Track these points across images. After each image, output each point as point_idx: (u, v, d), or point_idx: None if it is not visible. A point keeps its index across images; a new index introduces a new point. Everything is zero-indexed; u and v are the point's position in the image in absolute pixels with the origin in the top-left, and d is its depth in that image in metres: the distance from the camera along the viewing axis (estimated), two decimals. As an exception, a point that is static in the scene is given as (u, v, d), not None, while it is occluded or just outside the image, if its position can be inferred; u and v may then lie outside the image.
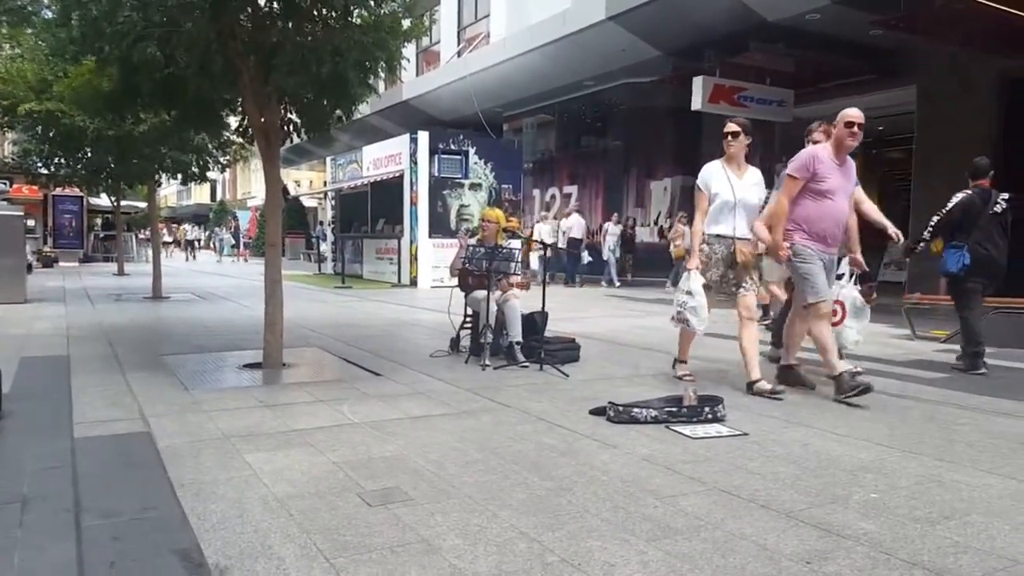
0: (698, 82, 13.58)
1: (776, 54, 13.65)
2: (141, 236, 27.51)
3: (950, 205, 6.21)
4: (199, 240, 37.35)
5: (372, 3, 5.23)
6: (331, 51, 4.88)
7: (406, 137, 15.67)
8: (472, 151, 15.86)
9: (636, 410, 4.11)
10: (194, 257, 30.99)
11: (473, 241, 6.45)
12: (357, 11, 5.21)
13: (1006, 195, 6.22)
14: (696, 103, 13.67)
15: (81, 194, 22.72)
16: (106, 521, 2.61)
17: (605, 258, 16.66)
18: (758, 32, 12.66)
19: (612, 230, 16.70)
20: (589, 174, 19.58)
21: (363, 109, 6.26)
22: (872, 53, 13.21)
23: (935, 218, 6.27)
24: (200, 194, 54.99)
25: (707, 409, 4.16)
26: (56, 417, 4.07)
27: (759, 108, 14.47)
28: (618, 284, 16.12)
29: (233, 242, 33.33)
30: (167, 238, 33.39)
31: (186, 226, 36.50)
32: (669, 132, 17.59)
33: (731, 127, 5.17)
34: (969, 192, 6.20)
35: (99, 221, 27.75)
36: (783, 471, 3.27)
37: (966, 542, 2.52)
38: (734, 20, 12.44)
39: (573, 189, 20.00)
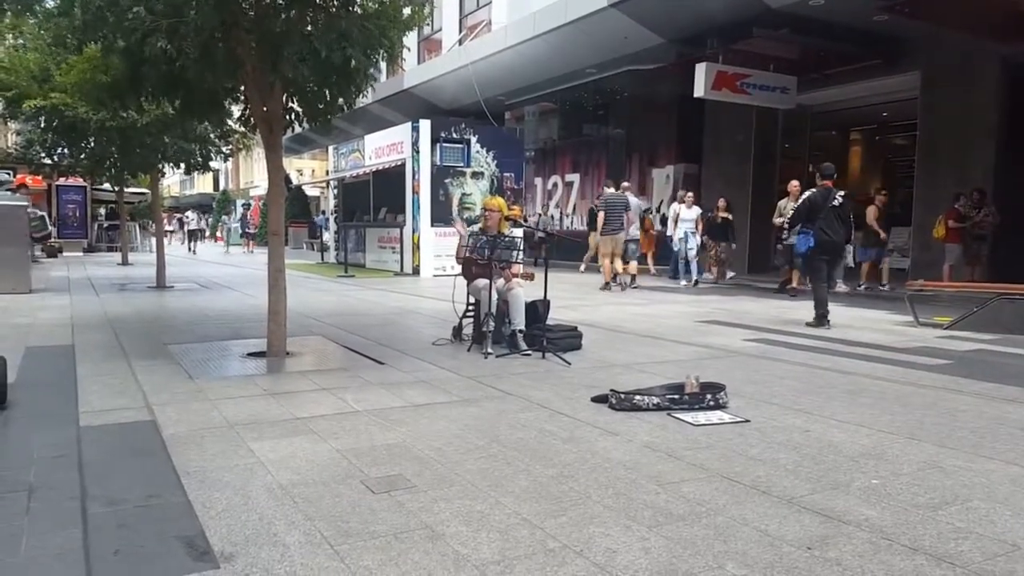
0: (701, 69, 13.51)
1: (779, 40, 13.57)
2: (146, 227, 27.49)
3: (799, 202, 7.87)
4: (203, 230, 33.46)
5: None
6: (337, 38, 4.86)
7: (408, 126, 15.62)
8: (474, 139, 15.81)
9: (638, 397, 4.12)
10: (194, 251, 26.30)
11: (476, 229, 6.43)
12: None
13: (842, 192, 7.98)
14: (699, 90, 13.61)
15: (85, 184, 22.71)
16: (111, 509, 2.63)
17: (676, 249, 13.90)
18: (761, 18, 12.58)
19: (685, 214, 13.59)
20: (591, 162, 19.53)
21: (364, 98, 6.25)
22: (876, 39, 13.13)
23: (790, 212, 8.15)
24: (203, 183, 55.00)
25: (709, 396, 4.17)
26: (61, 406, 4.09)
27: (762, 95, 14.41)
28: (683, 283, 13.46)
29: (242, 231, 31.88)
30: (168, 227, 31.01)
31: (188, 213, 32.03)
32: (671, 119, 17.53)
33: None
34: (813, 191, 7.89)
35: (103, 211, 27.72)
36: (784, 457, 3.28)
37: (968, 527, 2.53)
38: (737, 6, 12.37)
39: (575, 177, 19.97)
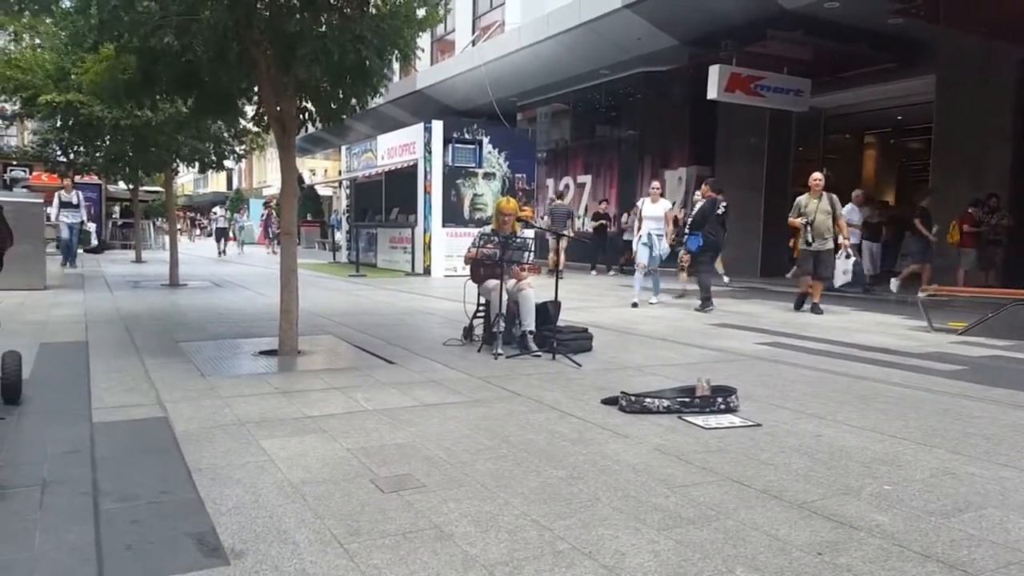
0: (714, 71, 13.48)
1: (794, 43, 13.51)
2: (159, 224, 27.44)
3: (695, 211, 9.72)
4: (232, 229, 28.34)
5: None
6: (352, 39, 4.87)
7: (420, 126, 15.66)
8: (486, 140, 15.83)
9: (648, 400, 4.11)
10: (224, 252, 23.12)
11: (487, 230, 6.42)
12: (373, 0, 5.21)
13: (725, 202, 9.86)
14: (712, 92, 13.58)
15: (99, 182, 22.89)
16: (124, 505, 2.65)
17: (634, 252, 10.66)
18: (776, 20, 12.54)
19: (649, 210, 10.23)
20: (603, 163, 19.51)
21: (378, 98, 6.28)
22: (891, 42, 13.05)
23: (688, 220, 9.61)
24: (217, 183, 55.32)
25: (720, 400, 4.15)
26: (75, 402, 4.13)
27: (776, 97, 14.35)
28: (654, 301, 10.11)
29: (267, 231, 29.51)
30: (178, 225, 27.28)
31: (216, 210, 28.25)
32: (684, 121, 17.48)
33: None
34: (704, 200, 9.72)
35: (117, 208, 27.89)
36: (796, 462, 3.26)
37: (981, 535, 2.50)
38: (751, 8, 12.33)
39: (587, 179, 19.96)
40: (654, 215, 10.22)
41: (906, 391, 4.81)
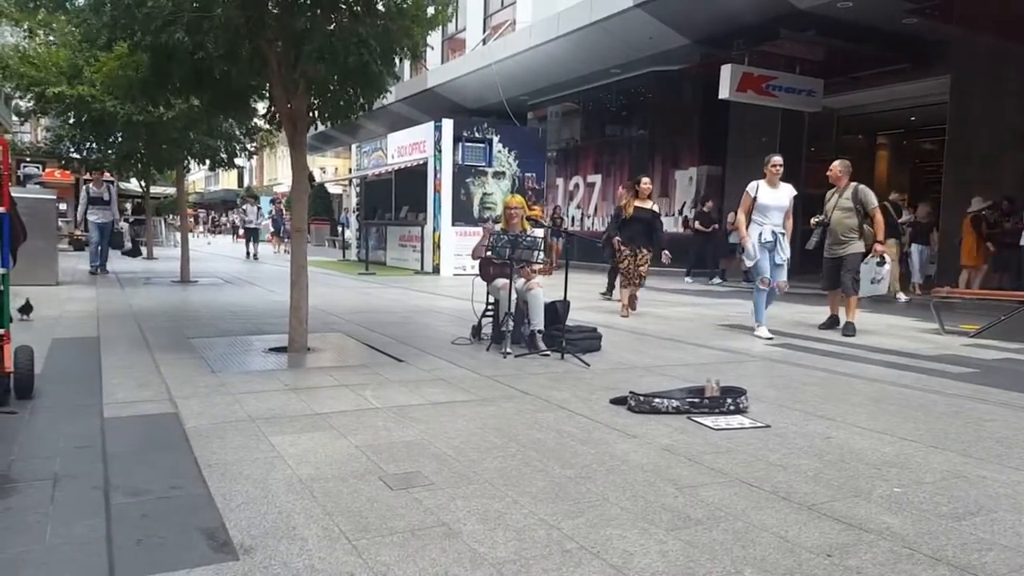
0: (726, 70, 13.43)
1: (806, 42, 13.46)
2: (171, 220, 27.53)
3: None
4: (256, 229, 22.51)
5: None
6: (356, 42, 4.88)
7: (430, 125, 15.70)
8: (496, 139, 15.85)
9: (657, 400, 4.10)
10: (255, 255, 20.03)
11: (497, 228, 6.43)
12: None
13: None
14: (724, 92, 13.53)
15: (112, 179, 23.05)
16: (134, 499, 2.67)
17: (750, 263, 7.52)
18: (788, 20, 12.49)
19: (768, 197, 7.25)
20: (613, 163, 19.47)
21: (388, 97, 6.29)
22: (905, 42, 12.97)
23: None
24: (228, 180, 55.58)
25: (729, 400, 4.14)
26: (86, 397, 4.15)
27: (788, 97, 14.30)
28: (765, 335, 7.15)
29: (272, 229, 27.63)
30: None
31: (246, 207, 23.88)
32: (695, 121, 17.44)
33: None
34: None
35: (129, 206, 28.03)
36: (805, 464, 3.25)
37: (992, 539, 2.49)
38: (764, 8, 12.28)
39: (597, 178, 19.93)
40: (778, 205, 7.22)
41: (917, 393, 4.78)
